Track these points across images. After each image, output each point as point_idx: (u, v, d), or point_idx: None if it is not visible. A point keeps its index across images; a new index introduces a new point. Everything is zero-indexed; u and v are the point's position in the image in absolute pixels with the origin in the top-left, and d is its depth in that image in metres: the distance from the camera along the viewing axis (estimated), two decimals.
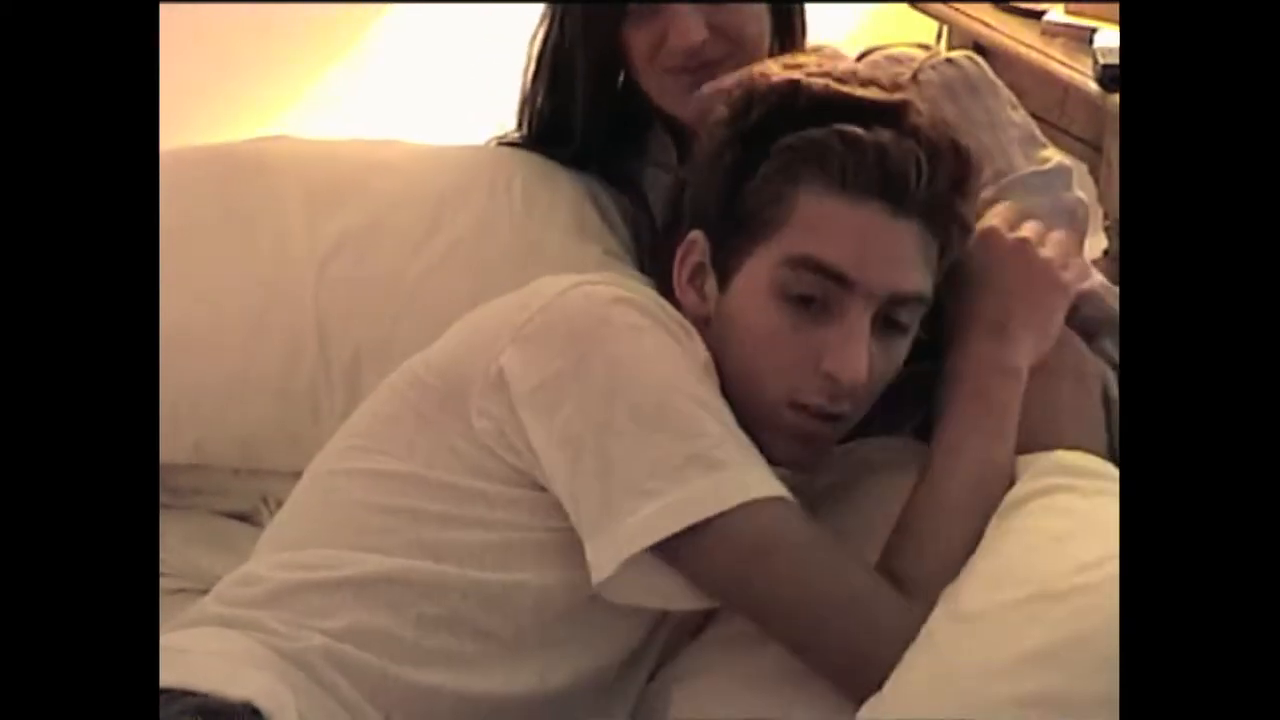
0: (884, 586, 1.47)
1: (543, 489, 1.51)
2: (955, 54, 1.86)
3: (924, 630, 1.44)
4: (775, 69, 1.61)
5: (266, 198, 1.98)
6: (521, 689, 1.52)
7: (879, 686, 1.42)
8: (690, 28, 1.82)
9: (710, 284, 1.60)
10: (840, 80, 1.57)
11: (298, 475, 1.70)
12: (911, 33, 2.86)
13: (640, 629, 1.59)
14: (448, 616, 1.51)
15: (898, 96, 1.57)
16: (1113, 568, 1.30)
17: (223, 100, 2.47)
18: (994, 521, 1.51)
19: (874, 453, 1.69)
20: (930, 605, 1.45)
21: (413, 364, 1.63)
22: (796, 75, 1.58)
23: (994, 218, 1.65)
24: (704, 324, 1.58)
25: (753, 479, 1.48)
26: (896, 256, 1.54)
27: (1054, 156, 1.83)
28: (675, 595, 1.50)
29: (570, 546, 1.50)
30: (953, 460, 1.54)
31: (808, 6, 2.76)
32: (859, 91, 1.56)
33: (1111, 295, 1.78)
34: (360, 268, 1.95)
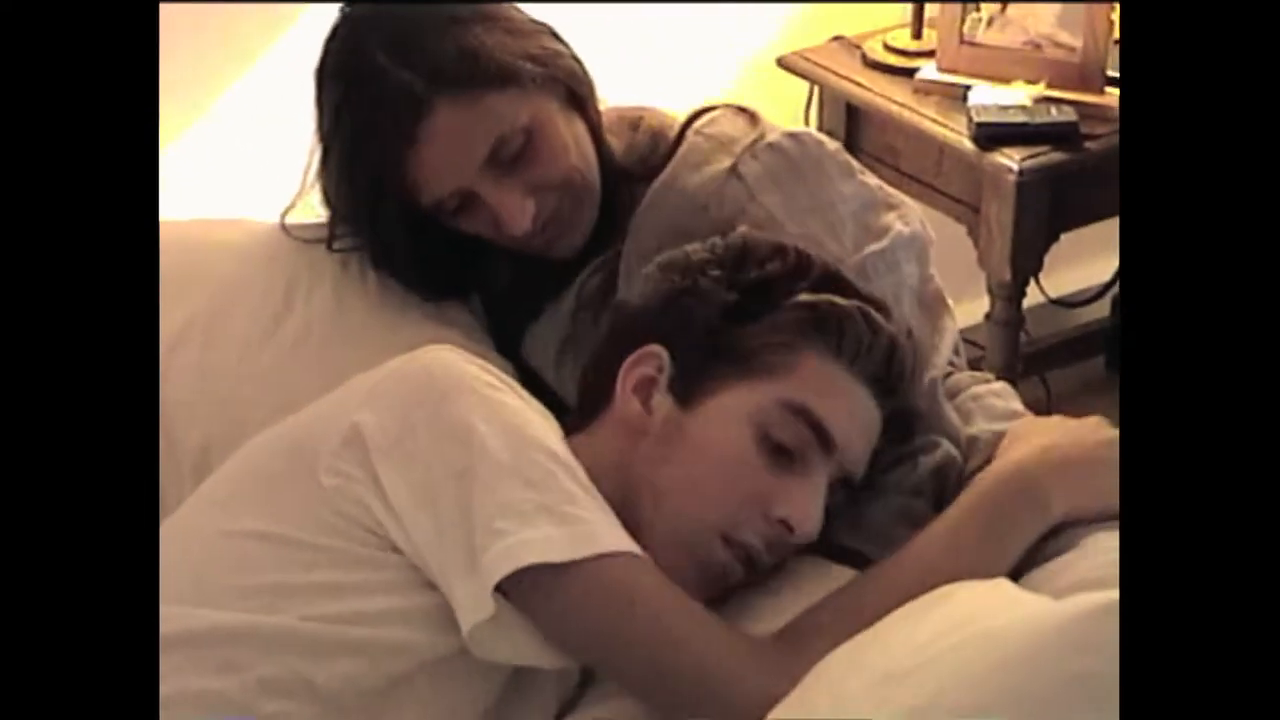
0: (741, 646, 1.49)
1: (394, 550, 1.49)
2: (775, 135, 1.81)
3: None
4: (758, 233, 1.68)
5: None
6: None
7: None
8: (517, 212, 1.78)
9: (660, 399, 1.60)
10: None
11: None
12: (782, 93, 2.82)
13: (489, 695, 1.55)
14: (286, 678, 1.46)
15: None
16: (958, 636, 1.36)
17: None
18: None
19: None
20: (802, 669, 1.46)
21: (265, 432, 1.64)
22: (799, 248, 1.65)
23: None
24: (638, 434, 1.59)
25: (606, 534, 1.49)
26: (869, 439, 1.61)
27: (894, 224, 1.78)
28: (534, 652, 1.50)
29: (419, 611, 1.49)
30: (919, 560, 1.54)
31: (678, 66, 2.72)
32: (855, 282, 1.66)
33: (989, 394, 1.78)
34: (207, 356, 1.88)
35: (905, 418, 1.65)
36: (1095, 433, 1.64)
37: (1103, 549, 1.54)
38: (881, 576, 1.55)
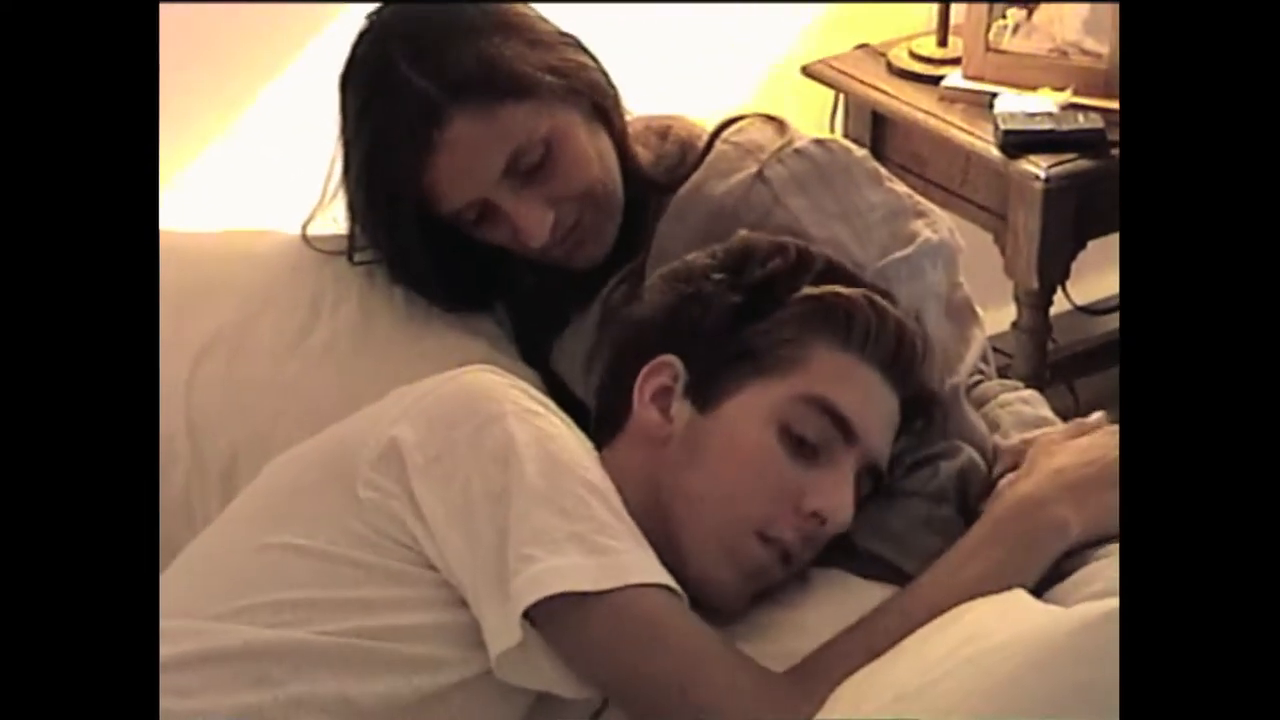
0: (764, 683, 1.48)
1: (428, 567, 1.50)
2: (803, 142, 1.80)
3: None
4: (758, 235, 1.67)
5: None
6: None
7: None
8: (536, 223, 1.78)
9: (679, 406, 1.60)
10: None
11: None
12: (807, 101, 2.82)
13: (521, 710, 1.56)
14: (321, 694, 1.46)
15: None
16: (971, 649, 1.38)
17: None
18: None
19: None
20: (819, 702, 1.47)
21: (296, 447, 1.64)
22: (798, 243, 1.65)
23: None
24: (661, 443, 1.60)
25: (636, 565, 1.48)
26: (888, 426, 1.61)
27: (922, 231, 1.78)
28: (558, 680, 1.50)
29: (452, 628, 1.49)
30: (938, 591, 1.53)
31: (702, 74, 2.72)
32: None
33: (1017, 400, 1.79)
34: (234, 366, 1.88)
35: (923, 404, 1.65)
36: (1106, 449, 1.64)
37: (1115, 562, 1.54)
38: (901, 609, 1.54)
